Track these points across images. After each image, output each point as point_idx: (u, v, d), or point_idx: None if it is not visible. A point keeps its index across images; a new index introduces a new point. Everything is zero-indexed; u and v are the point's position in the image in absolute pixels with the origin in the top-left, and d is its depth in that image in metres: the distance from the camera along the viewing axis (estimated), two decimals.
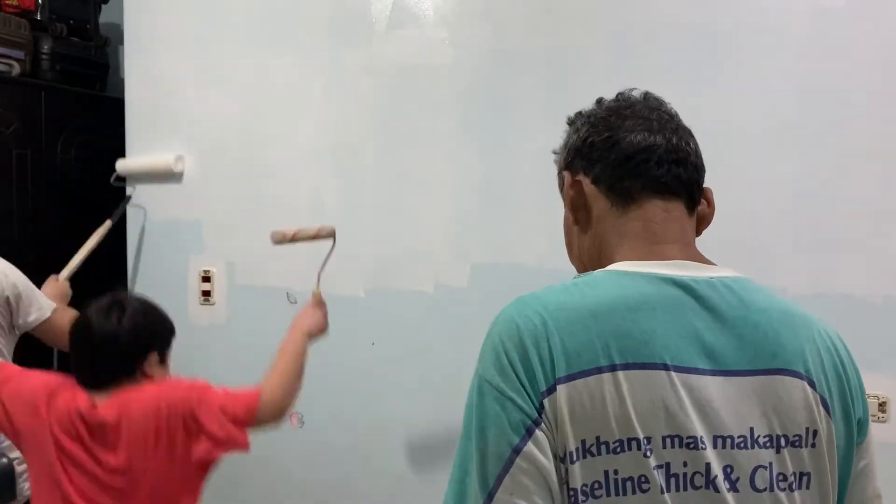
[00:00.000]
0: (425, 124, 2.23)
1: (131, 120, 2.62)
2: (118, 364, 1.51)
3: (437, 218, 2.22)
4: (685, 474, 0.78)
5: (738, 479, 0.79)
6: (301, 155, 2.38)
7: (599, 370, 0.78)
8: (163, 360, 1.58)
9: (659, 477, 0.78)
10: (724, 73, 1.91)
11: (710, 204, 0.99)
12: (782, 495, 0.81)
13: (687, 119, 1.96)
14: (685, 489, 0.78)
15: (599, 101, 1.04)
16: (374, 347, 2.30)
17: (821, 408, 0.83)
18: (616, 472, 0.77)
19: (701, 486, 0.79)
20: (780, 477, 0.81)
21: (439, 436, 2.22)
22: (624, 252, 0.90)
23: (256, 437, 2.43)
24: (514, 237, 2.13)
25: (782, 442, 0.81)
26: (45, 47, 2.80)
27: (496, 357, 0.86)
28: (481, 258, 2.17)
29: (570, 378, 0.78)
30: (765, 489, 0.80)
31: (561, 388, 0.78)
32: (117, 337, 1.50)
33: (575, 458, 0.77)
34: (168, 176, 2.53)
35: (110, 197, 2.69)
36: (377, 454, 2.29)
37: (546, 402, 0.78)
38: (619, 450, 0.77)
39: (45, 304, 2.08)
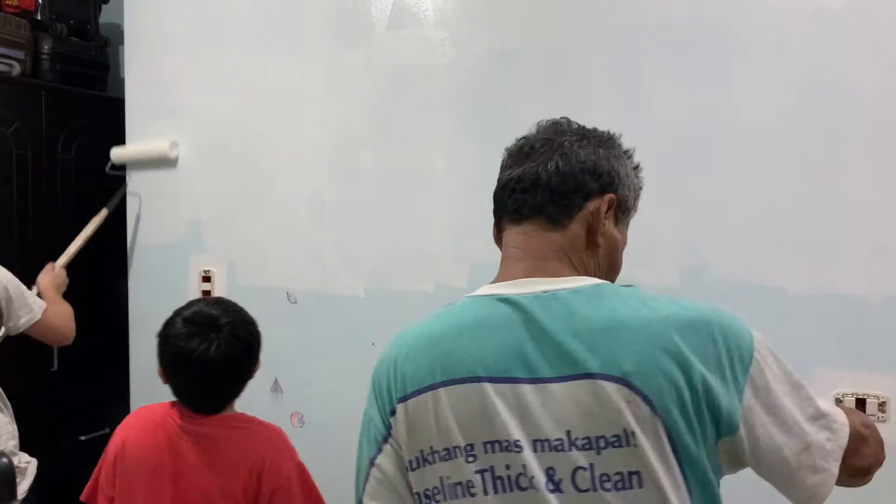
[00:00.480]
0: (425, 124, 2.23)
1: (131, 120, 2.63)
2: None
3: (436, 218, 2.22)
4: (509, 476, 0.85)
5: (560, 480, 0.84)
6: (301, 155, 2.38)
7: (428, 388, 0.91)
8: None
9: (483, 480, 0.86)
10: (723, 73, 1.91)
11: (595, 213, 1.01)
12: (608, 495, 0.84)
13: (687, 118, 1.97)
14: (510, 490, 0.85)
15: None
16: (374, 347, 2.30)
17: (644, 407, 0.84)
18: (448, 477, 0.88)
19: (527, 487, 0.85)
20: (604, 477, 0.84)
21: None
22: (496, 279, 1.03)
23: None
24: None
25: (601, 443, 0.84)
26: (46, 47, 2.80)
27: (370, 385, 1.05)
28: (481, 258, 2.17)
29: (405, 398, 0.93)
30: (587, 489, 0.84)
31: (400, 407, 0.94)
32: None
33: (415, 466, 0.91)
34: (163, 162, 2.54)
35: (110, 196, 2.69)
36: None
37: (392, 420, 0.95)
38: (446, 457, 0.88)
39: (36, 305, 2.06)
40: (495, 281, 1.00)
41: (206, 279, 2.52)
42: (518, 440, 0.85)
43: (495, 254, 2.14)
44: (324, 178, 2.35)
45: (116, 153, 2.62)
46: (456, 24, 2.18)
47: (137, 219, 2.62)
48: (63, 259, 2.41)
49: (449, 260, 2.20)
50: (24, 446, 2.05)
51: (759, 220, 1.89)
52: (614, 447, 0.84)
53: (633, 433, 0.84)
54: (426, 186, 2.23)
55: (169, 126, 2.56)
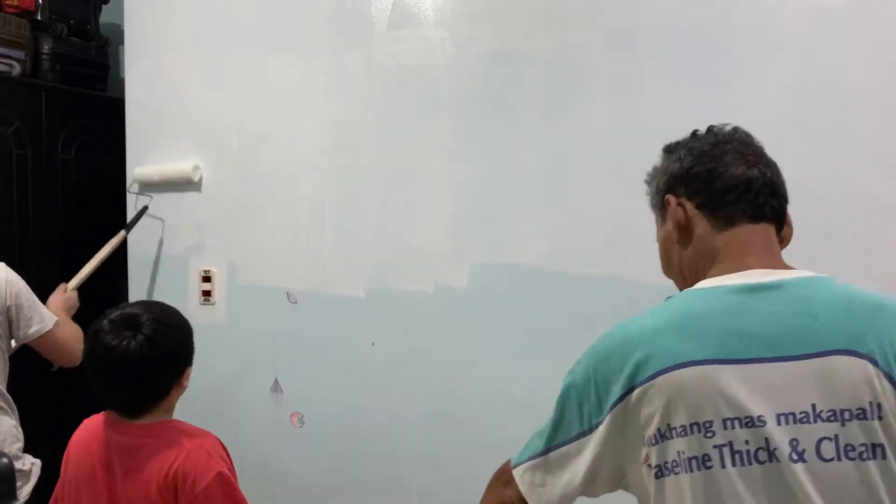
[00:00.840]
0: (425, 124, 2.23)
1: (131, 120, 2.62)
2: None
3: (437, 218, 2.22)
4: (748, 451, 0.90)
5: (804, 450, 0.89)
6: (301, 155, 2.38)
7: (676, 367, 0.94)
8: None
9: (722, 454, 0.90)
10: (723, 73, 1.91)
11: (790, 226, 1.15)
12: (851, 465, 0.89)
13: (686, 119, 1.97)
14: (749, 464, 0.90)
15: (695, 134, 1.19)
16: (373, 347, 2.30)
17: (887, 383, 0.90)
18: (681, 453, 0.92)
19: (765, 461, 0.90)
20: (848, 447, 0.89)
21: (439, 435, 2.22)
22: (714, 269, 1.06)
23: (257, 437, 2.44)
24: (514, 237, 2.13)
25: (846, 416, 0.90)
26: (46, 47, 2.80)
27: (592, 362, 1.14)
28: (481, 258, 2.17)
29: (653, 377, 0.96)
30: (832, 458, 0.89)
31: (643, 387, 0.96)
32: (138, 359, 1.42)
33: (654, 441, 0.95)
34: (186, 185, 2.51)
35: (110, 196, 2.69)
36: (376, 454, 2.29)
37: (628, 398, 0.98)
38: (683, 433, 0.92)
39: (48, 316, 2.02)
40: (725, 273, 1.03)
41: (207, 279, 2.52)
42: (760, 415, 0.90)
43: (495, 254, 2.15)
44: (324, 178, 2.35)
45: (139, 173, 2.58)
46: (456, 25, 2.18)
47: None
48: (75, 281, 2.34)
49: (449, 260, 2.20)
50: (24, 447, 2.05)
51: None
52: (860, 419, 0.89)
53: (878, 405, 0.89)
54: (426, 186, 2.23)
55: (169, 126, 2.56)
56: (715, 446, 0.90)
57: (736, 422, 0.90)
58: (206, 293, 2.52)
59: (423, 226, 2.23)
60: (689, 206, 1.10)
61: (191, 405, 2.44)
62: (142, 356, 1.40)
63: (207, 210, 2.52)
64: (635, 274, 2.00)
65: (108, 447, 1.44)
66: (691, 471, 0.91)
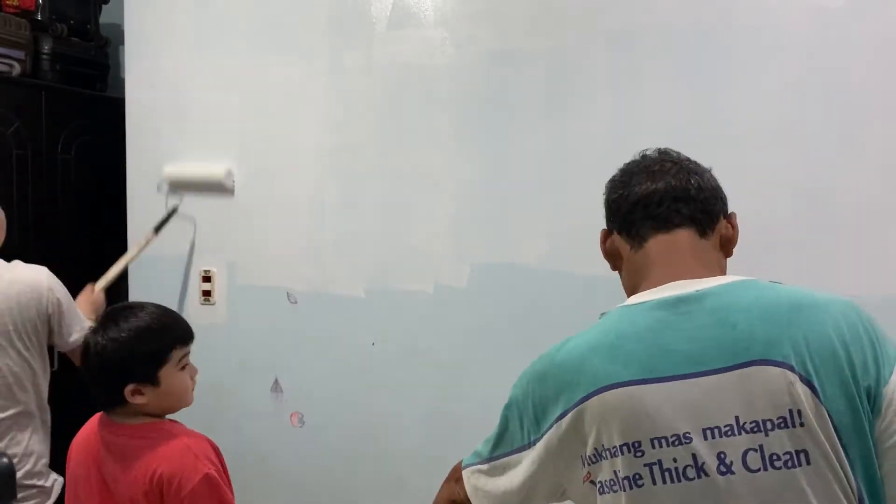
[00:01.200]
0: (425, 124, 2.23)
1: (131, 120, 2.62)
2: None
3: (437, 218, 2.22)
4: (676, 468, 0.92)
5: (731, 462, 0.90)
6: (301, 155, 2.38)
7: (604, 389, 0.97)
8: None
9: (652, 472, 0.92)
10: (723, 73, 1.91)
11: (732, 226, 1.16)
12: (777, 474, 0.90)
13: (686, 119, 1.98)
14: (679, 480, 0.91)
15: (624, 165, 1.22)
16: (373, 347, 2.30)
17: (804, 387, 0.91)
18: (617, 472, 0.95)
19: (694, 477, 0.91)
20: (774, 457, 0.90)
21: (439, 435, 2.22)
22: (642, 286, 1.07)
23: (257, 437, 2.44)
24: (514, 237, 2.13)
25: (768, 426, 0.91)
26: (46, 47, 2.80)
27: (525, 385, 1.17)
28: (481, 258, 2.17)
29: (585, 399, 0.98)
30: (758, 469, 0.90)
31: (578, 408, 0.99)
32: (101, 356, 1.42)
33: (593, 460, 0.97)
34: (217, 188, 2.46)
35: (110, 196, 2.69)
36: (376, 454, 2.29)
37: (565, 419, 1.00)
38: (616, 453, 0.94)
39: (87, 323, 1.97)
40: (650, 287, 1.04)
41: (207, 279, 2.52)
42: (686, 432, 0.92)
43: (495, 254, 2.15)
44: (324, 177, 2.35)
45: (170, 173, 2.50)
46: (456, 25, 2.18)
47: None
48: (103, 282, 2.29)
49: (449, 260, 2.20)
50: None
51: (758, 221, 1.89)
52: (781, 428, 0.90)
53: (799, 412, 0.90)
54: (426, 186, 2.23)
55: (169, 126, 2.56)
56: (645, 465, 0.93)
57: (663, 440, 0.92)
58: (207, 293, 2.52)
59: (423, 226, 2.24)
60: (615, 234, 1.15)
61: (192, 404, 2.45)
62: (98, 358, 1.42)
63: (207, 209, 2.51)
64: None
65: (102, 446, 1.45)
66: (626, 489, 0.93)
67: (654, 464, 0.92)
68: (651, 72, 1.98)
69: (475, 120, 2.17)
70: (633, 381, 0.95)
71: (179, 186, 2.51)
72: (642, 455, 0.93)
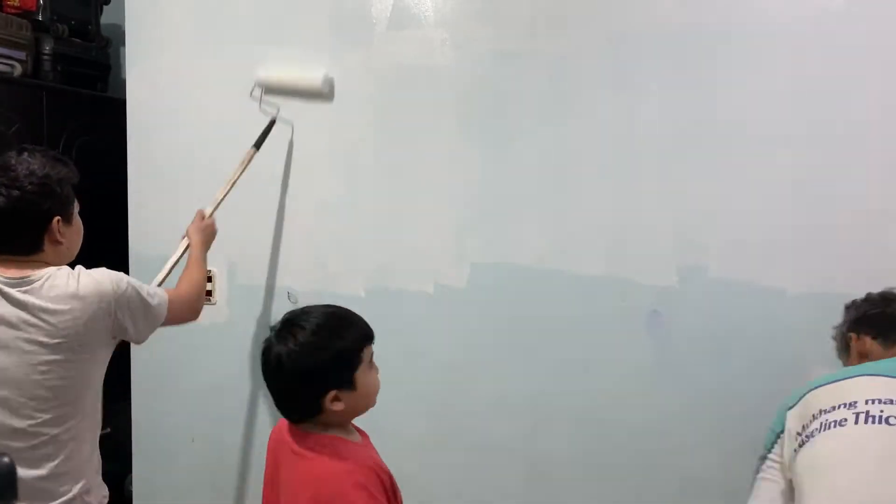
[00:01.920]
0: (425, 125, 2.23)
1: (133, 121, 2.63)
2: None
3: (437, 218, 2.22)
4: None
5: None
6: (302, 155, 2.38)
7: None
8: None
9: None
10: (722, 74, 1.92)
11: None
12: None
13: (686, 119, 1.98)
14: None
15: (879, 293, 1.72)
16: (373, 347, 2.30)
17: None
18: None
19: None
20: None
21: (438, 435, 2.22)
22: None
23: (258, 436, 2.44)
24: (514, 238, 2.13)
25: None
26: (47, 48, 2.80)
27: None
28: (481, 258, 2.18)
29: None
30: None
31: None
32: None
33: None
34: (315, 95, 2.32)
35: (112, 197, 2.69)
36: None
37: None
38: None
39: (158, 309, 1.74)
40: None
41: (207, 279, 2.51)
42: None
43: (495, 254, 2.16)
44: (325, 178, 2.35)
45: (264, 77, 2.34)
46: (456, 25, 2.19)
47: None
48: (211, 207, 2.18)
49: (449, 260, 2.21)
50: None
51: (758, 221, 1.90)
52: None
53: None
54: (427, 187, 2.23)
55: (170, 127, 2.56)
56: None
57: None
58: (207, 293, 2.52)
59: (422, 226, 2.24)
60: (867, 337, 1.68)
61: (192, 404, 2.46)
62: (292, 367, 1.33)
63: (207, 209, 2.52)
64: (635, 274, 2.01)
65: (284, 446, 1.37)
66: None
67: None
68: (652, 73, 1.98)
69: (475, 121, 2.17)
70: None
71: (274, 92, 2.34)
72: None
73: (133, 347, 2.65)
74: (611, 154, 2.03)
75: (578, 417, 2.08)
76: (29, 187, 1.53)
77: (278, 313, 2.40)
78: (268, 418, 2.44)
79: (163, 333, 2.56)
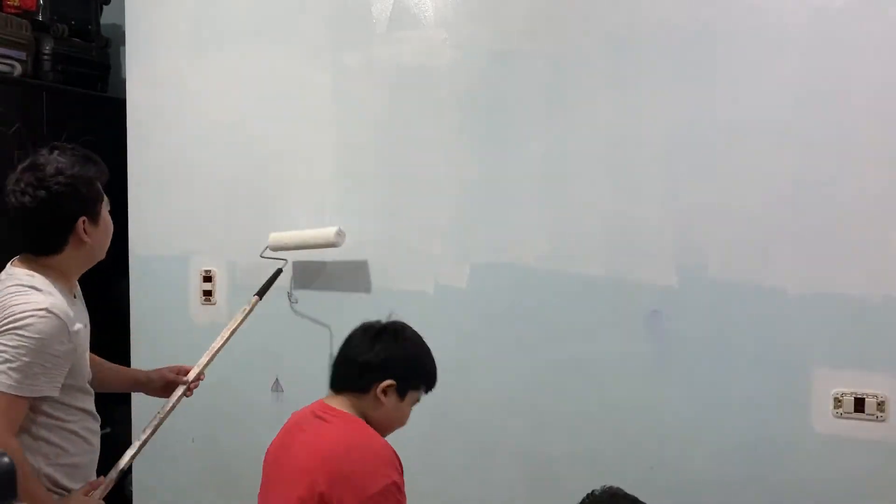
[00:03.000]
0: (425, 125, 2.23)
1: (132, 120, 2.63)
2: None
3: (437, 218, 2.22)
4: None
5: None
6: (301, 155, 2.38)
7: None
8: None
9: None
10: (722, 74, 1.92)
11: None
12: None
13: (686, 119, 1.98)
14: None
15: None
16: None
17: None
18: None
19: None
20: None
21: (439, 435, 2.22)
22: None
23: (258, 435, 2.43)
24: (514, 237, 2.13)
25: None
26: (47, 48, 2.80)
27: None
28: (481, 258, 2.17)
29: None
30: None
31: None
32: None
33: None
34: (328, 246, 2.27)
35: (111, 197, 2.68)
36: None
37: None
38: None
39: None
40: None
41: (207, 279, 2.52)
42: None
43: (495, 254, 2.16)
44: (324, 178, 2.36)
45: (275, 239, 2.32)
46: (456, 26, 2.19)
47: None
48: (196, 370, 2.01)
49: (449, 260, 2.20)
50: None
51: (758, 221, 1.89)
52: None
53: None
54: (427, 187, 2.23)
55: (170, 127, 2.56)
56: None
57: None
58: (207, 293, 2.52)
59: (423, 226, 2.24)
60: None
61: (193, 404, 2.45)
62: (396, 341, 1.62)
63: (208, 209, 2.52)
64: (634, 274, 2.00)
65: (307, 416, 1.57)
66: None
67: None
68: (651, 72, 1.98)
69: (475, 120, 2.17)
70: None
71: (289, 249, 2.34)
72: None
73: (133, 347, 2.65)
74: (611, 154, 2.03)
75: (578, 417, 2.08)
76: (55, 188, 1.53)
77: (279, 313, 2.41)
78: (268, 417, 2.43)
79: (162, 332, 2.58)
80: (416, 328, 2.26)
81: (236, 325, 2.12)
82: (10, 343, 1.44)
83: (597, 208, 2.04)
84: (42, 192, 1.52)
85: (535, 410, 2.13)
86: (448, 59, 2.19)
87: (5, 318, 1.46)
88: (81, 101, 2.92)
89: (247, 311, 2.17)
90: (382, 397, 1.54)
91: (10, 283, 1.53)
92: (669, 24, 1.96)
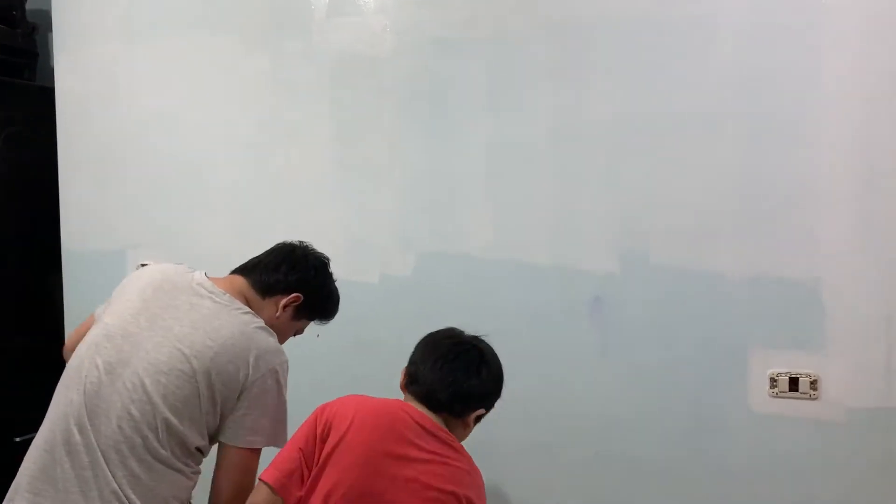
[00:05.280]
0: (367, 113, 2.21)
1: (62, 110, 2.54)
2: None
3: (381, 208, 2.21)
4: None
5: None
6: (239, 144, 2.34)
7: None
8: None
9: None
10: (663, 63, 1.94)
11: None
12: None
13: (627, 108, 2.00)
14: None
15: None
16: (318, 340, 2.28)
17: None
18: None
19: None
20: None
21: None
22: None
23: None
24: (459, 226, 2.13)
25: None
26: None
27: None
28: (426, 248, 2.17)
29: None
30: None
31: None
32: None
33: None
34: None
35: (40, 190, 2.59)
36: None
37: None
38: None
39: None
40: None
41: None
42: None
43: (440, 243, 2.15)
44: (264, 167, 2.32)
45: None
46: (397, 12, 2.17)
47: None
48: None
49: (394, 250, 2.19)
50: None
51: (698, 208, 1.93)
52: None
53: None
54: (369, 175, 2.21)
55: (101, 115, 2.48)
56: None
57: None
58: None
59: (367, 216, 2.22)
60: None
61: None
62: (489, 374, 1.65)
63: (145, 202, 2.45)
64: (578, 262, 2.03)
65: (414, 425, 1.56)
66: None
67: None
68: (592, 62, 2.00)
69: (418, 108, 2.16)
70: None
71: None
72: None
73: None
74: (553, 142, 2.04)
75: (524, 403, 2.09)
76: (315, 263, 1.70)
77: None
78: None
79: None
80: (361, 319, 2.25)
81: None
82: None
83: (539, 196, 2.06)
84: (312, 260, 1.73)
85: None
86: (389, 47, 2.17)
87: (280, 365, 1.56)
88: (7, 90, 2.80)
89: None
90: (472, 425, 1.63)
91: (239, 310, 1.54)
92: (610, 12, 1.98)
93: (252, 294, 1.61)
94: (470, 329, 1.99)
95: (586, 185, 2.02)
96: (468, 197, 2.12)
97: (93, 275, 2.53)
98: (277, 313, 1.62)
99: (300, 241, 1.74)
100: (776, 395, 1.86)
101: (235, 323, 1.50)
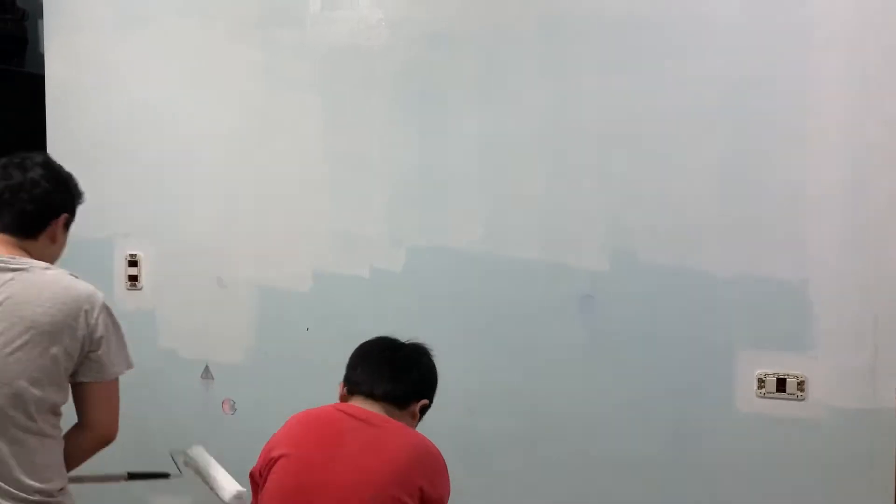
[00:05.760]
0: (360, 106, 2.20)
1: (52, 97, 2.52)
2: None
3: (372, 201, 2.20)
4: None
5: None
6: (231, 136, 2.32)
7: None
8: None
9: None
10: (654, 62, 1.95)
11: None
12: None
13: (617, 106, 2.00)
14: None
15: None
16: (308, 333, 2.27)
17: None
18: None
19: None
20: None
21: None
22: None
23: (187, 424, 2.38)
24: (450, 221, 2.13)
25: None
26: None
27: None
28: (417, 242, 2.17)
29: None
30: None
31: None
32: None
33: None
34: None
35: None
36: None
37: None
38: None
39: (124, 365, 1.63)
40: None
41: (133, 263, 2.44)
42: None
43: (431, 238, 2.15)
44: (254, 160, 2.30)
45: (195, 455, 1.89)
46: (391, 6, 2.16)
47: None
48: None
49: (384, 244, 2.19)
50: None
51: (688, 207, 1.94)
52: None
53: None
54: (361, 169, 2.21)
55: (91, 102, 2.46)
56: None
57: None
58: (133, 278, 2.45)
59: (358, 209, 2.22)
60: None
61: (120, 393, 2.37)
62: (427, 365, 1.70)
63: (133, 191, 2.44)
64: (568, 257, 2.03)
65: (349, 420, 1.56)
66: None
67: None
68: (586, 58, 2.00)
69: (411, 102, 2.16)
70: None
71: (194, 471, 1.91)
72: None
73: None
74: (544, 138, 2.04)
75: (512, 398, 2.10)
76: (64, 173, 1.61)
77: (208, 299, 2.35)
78: (198, 405, 2.39)
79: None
80: (351, 312, 2.25)
81: (99, 481, 1.91)
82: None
83: (531, 192, 2.06)
84: (50, 173, 1.57)
85: (469, 391, 2.14)
86: (383, 40, 2.17)
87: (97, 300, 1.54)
88: None
89: (105, 480, 1.93)
90: (416, 416, 1.64)
91: (41, 267, 1.51)
92: (602, 8, 1.98)
93: (14, 242, 1.54)
94: (460, 323, 2.00)
95: (577, 182, 2.02)
96: (459, 192, 2.12)
97: (80, 264, 2.50)
98: (56, 241, 1.62)
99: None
100: (763, 396, 1.87)
101: (53, 280, 1.53)
